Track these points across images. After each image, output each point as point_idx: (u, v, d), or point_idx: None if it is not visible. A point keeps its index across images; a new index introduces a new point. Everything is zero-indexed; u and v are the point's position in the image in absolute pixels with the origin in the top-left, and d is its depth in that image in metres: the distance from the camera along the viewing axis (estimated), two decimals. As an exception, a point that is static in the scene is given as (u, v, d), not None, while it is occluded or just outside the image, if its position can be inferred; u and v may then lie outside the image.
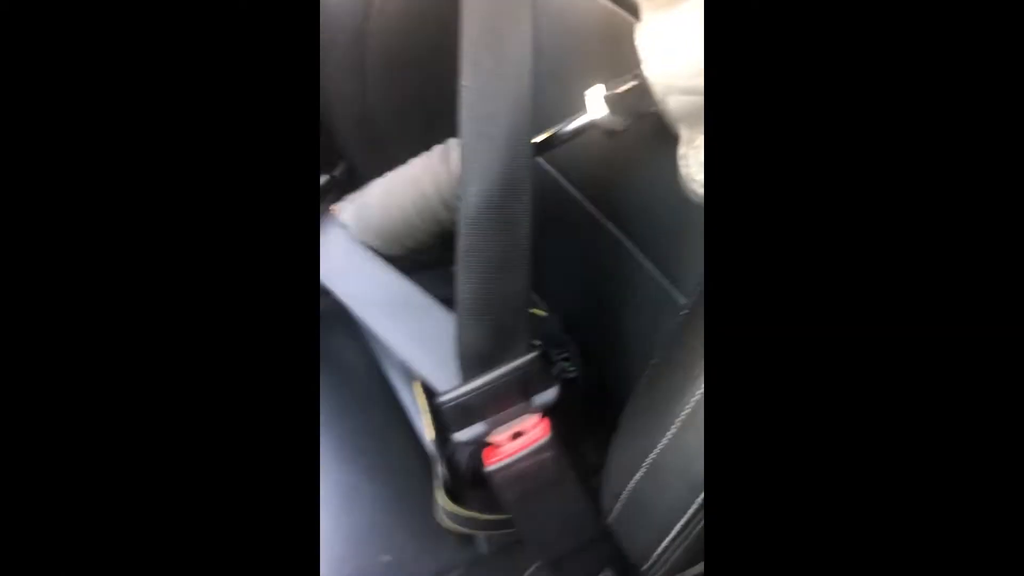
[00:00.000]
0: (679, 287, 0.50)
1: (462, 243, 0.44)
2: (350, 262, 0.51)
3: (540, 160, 0.60)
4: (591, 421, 0.55)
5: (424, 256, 0.52)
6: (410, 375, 0.61)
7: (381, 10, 0.52)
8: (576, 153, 0.52)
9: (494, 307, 0.44)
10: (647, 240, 0.53)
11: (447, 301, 0.48)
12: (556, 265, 0.64)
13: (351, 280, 0.51)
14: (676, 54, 0.40)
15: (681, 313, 0.43)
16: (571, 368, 0.58)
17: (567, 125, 0.46)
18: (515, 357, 0.45)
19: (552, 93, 0.59)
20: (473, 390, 0.44)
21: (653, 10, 0.42)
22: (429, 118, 0.55)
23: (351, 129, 0.59)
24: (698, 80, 0.40)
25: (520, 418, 0.45)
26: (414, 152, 0.52)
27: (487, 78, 0.43)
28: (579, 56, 0.54)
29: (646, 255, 0.53)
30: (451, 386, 0.46)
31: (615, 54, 0.45)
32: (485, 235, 0.44)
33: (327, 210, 0.53)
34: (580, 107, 0.46)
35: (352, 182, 0.63)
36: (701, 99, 0.40)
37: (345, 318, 0.67)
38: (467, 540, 0.55)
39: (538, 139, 0.47)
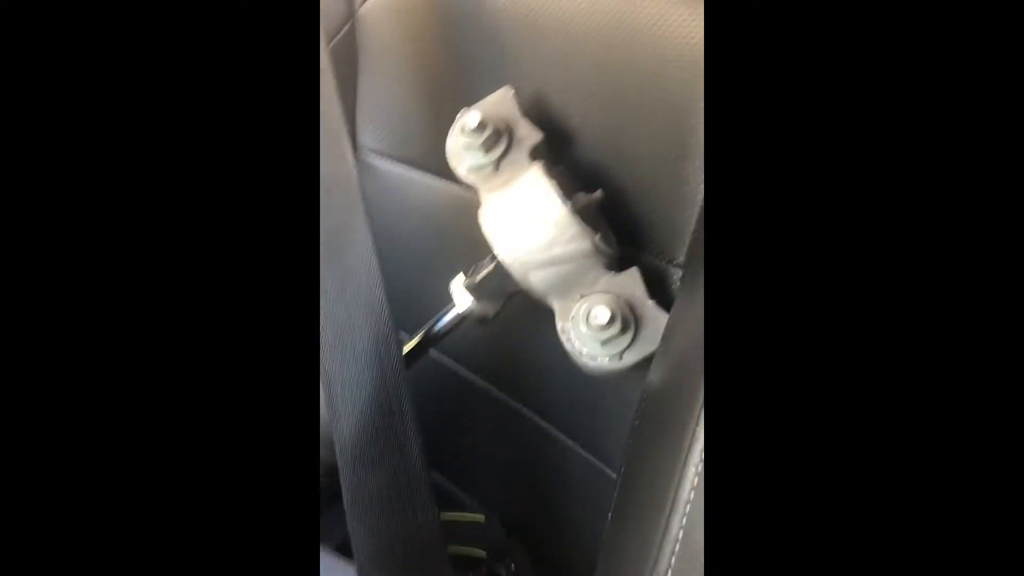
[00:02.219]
0: (609, 464, 0.45)
1: (346, 485, 0.38)
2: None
3: (432, 352, 0.55)
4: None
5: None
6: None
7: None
8: (469, 338, 0.48)
9: (399, 551, 0.38)
10: (564, 418, 0.48)
11: (346, 546, 0.41)
12: (480, 461, 0.57)
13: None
14: (524, 230, 0.37)
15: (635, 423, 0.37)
16: (522, 582, 0.51)
17: (436, 323, 0.42)
18: (440, 605, 0.38)
19: (423, 284, 0.56)
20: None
21: (490, 191, 0.40)
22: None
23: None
24: (554, 250, 0.37)
25: None
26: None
27: (337, 294, 0.40)
28: (441, 243, 0.52)
29: (568, 435, 0.48)
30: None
31: (472, 237, 0.42)
32: (372, 469, 0.38)
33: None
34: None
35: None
36: (564, 267, 0.38)
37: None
38: None
39: (409, 346, 0.42)
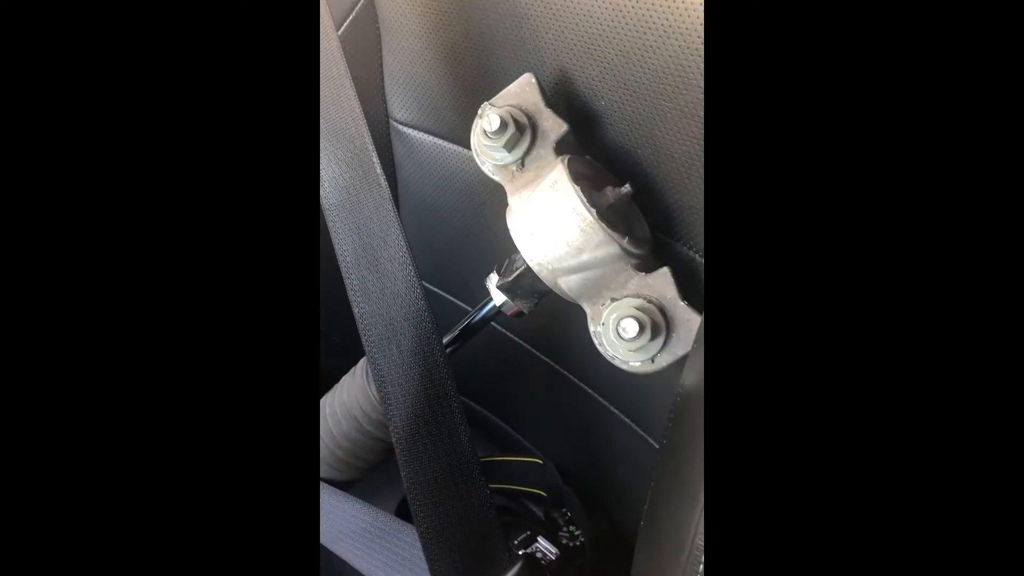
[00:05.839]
0: (650, 433, 0.47)
1: (405, 472, 0.41)
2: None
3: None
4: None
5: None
6: None
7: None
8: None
9: (456, 529, 0.41)
10: (606, 389, 0.50)
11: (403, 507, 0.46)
12: (535, 415, 0.60)
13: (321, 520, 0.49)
14: (550, 238, 0.37)
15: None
16: (576, 531, 0.55)
17: (475, 316, 0.44)
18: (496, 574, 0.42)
19: (464, 251, 0.56)
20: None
21: (516, 192, 0.39)
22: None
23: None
24: (583, 257, 0.37)
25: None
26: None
27: (378, 298, 0.41)
28: (479, 213, 0.52)
29: (610, 403, 0.50)
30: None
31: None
32: (425, 456, 0.41)
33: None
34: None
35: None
36: (593, 272, 0.37)
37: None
38: None
39: (448, 337, 0.44)
